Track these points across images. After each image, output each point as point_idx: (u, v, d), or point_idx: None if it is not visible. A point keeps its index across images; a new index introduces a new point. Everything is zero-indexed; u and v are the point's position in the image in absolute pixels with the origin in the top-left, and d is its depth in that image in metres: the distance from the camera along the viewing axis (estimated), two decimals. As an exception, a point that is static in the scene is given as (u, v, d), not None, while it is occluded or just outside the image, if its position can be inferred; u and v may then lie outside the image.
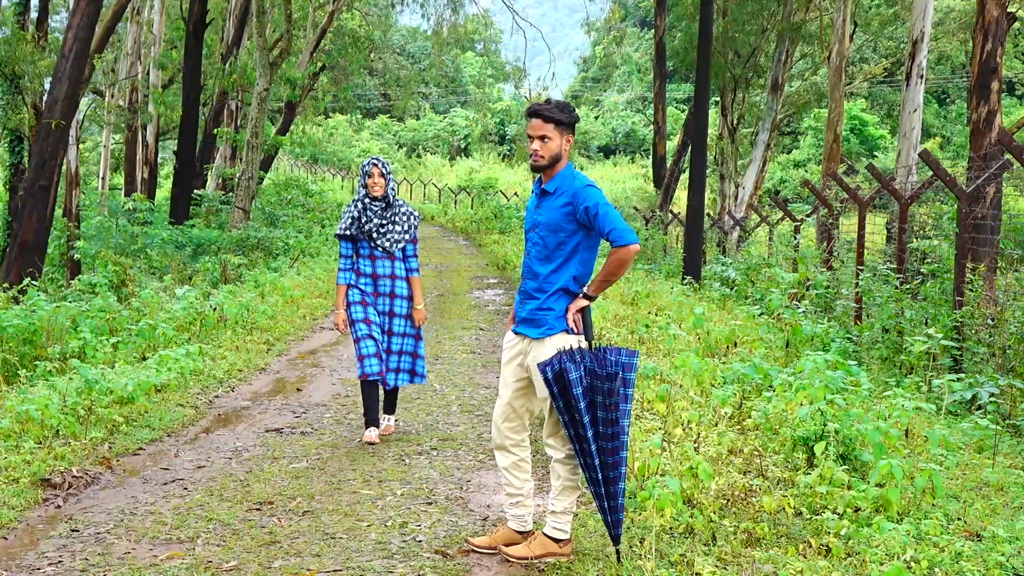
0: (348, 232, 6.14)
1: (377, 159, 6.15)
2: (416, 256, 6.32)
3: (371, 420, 6.25)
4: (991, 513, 4.58)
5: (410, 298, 6.28)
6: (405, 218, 6.21)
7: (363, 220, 6.11)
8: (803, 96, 28.45)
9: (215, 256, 15.81)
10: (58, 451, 5.70)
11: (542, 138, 4.12)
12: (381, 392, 6.41)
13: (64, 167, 18.78)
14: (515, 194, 40.39)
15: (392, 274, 6.22)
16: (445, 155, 60.60)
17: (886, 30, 30.92)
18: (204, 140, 25.51)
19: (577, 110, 4.33)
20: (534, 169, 4.19)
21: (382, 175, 6.11)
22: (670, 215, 23.96)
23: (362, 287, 6.20)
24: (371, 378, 6.12)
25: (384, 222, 6.13)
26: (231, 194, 21.40)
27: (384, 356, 6.19)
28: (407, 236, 6.22)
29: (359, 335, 6.15)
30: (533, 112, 4.14)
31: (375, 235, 6.13)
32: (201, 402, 7.43)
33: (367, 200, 6.11)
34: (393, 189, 6.18)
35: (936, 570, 3.86)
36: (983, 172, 8.71)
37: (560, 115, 4.12)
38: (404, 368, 6.33)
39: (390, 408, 6.48)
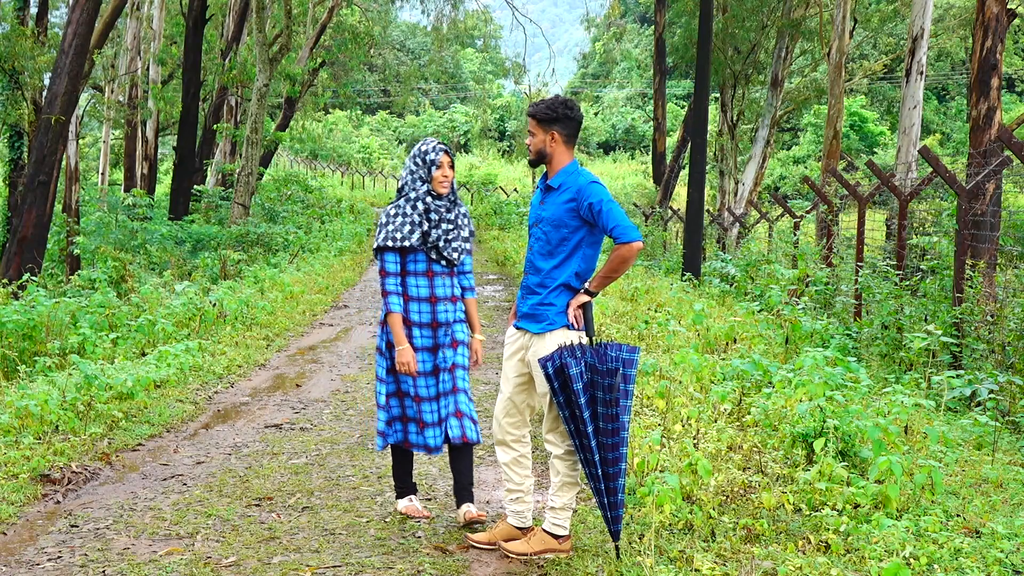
0: (406, 243, 4.53)
1: (445, 144, 4.66)
2: (472, 272, 4.83)
3: (403, 488, 4.89)
4: (990, 509, 4.58)
5: (467, 323, 4.79)
6: (467, 220, 4.72)
7: (427, 227, 4.56)
8: (803, 92, 28.45)
9: (215, 252, 15.81)
10: (57, 447, 5.70)
11: (531, 134, 4.30)
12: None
13: (63, 163, 18.78)
14: (514, 190, 40.36)
15: (453, 295, 4.67)
16: (445, 151, 60.48)
17: (886, 26, 30.90)
18: (204, 136, 25.52)
19: (579, 106, 4.41)
20: (528, 163, 4.49)
21: (452, 166, 4.61)
22: (670, 211, 23.97)
23: (414, 318, 4.61)
24: (404, 445, 4.78)
25: (451, 227, 4.61)
26: (231, 190, 21.39)
27: (432, 406, 4.66)
28: (467, 245, 4.71)
29: (388, 392, 4.71)
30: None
31: (441, 244, 4.60)
32: (200, 398, 7.43)
33: (429, 199, 4.58)
34: (454, 183, 4.74)
35: (935, 566, 3.87)
36: (983, 169, 8.70)
37: (537, 110, 4.25)
38: (451, 412, 4.66)
39: (466, 494, 4.69)
